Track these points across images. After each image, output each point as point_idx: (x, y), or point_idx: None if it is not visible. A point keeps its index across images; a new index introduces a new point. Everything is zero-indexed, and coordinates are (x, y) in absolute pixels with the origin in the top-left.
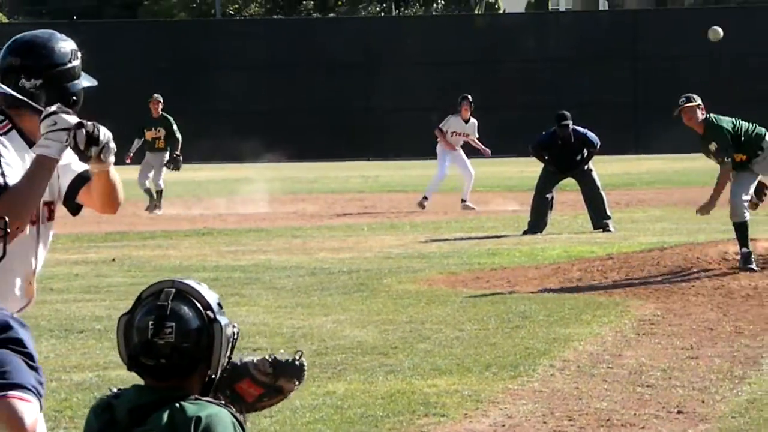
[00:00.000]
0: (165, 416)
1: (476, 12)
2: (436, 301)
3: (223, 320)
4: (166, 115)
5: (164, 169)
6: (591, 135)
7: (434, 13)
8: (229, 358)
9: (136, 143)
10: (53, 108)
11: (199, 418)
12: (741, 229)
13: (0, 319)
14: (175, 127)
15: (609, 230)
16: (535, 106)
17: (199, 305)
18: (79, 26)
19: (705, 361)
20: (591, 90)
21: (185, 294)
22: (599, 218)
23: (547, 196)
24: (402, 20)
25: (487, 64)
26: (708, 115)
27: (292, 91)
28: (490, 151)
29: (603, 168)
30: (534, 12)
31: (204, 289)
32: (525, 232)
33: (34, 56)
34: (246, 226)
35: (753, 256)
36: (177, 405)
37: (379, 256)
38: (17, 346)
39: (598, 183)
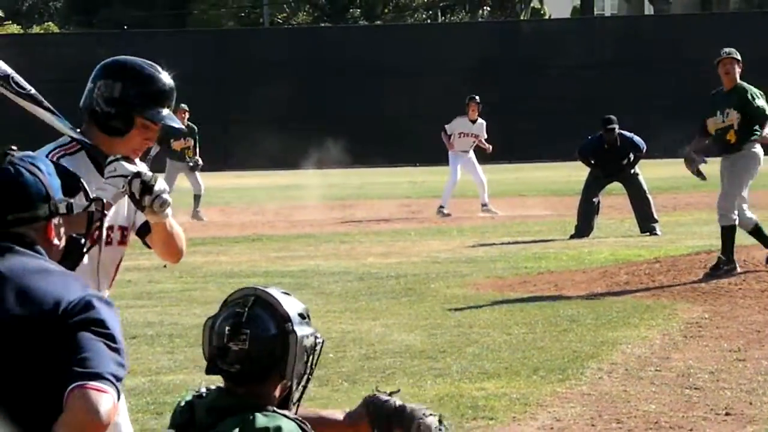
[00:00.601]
0: (235, 423)
1: (522, 18)
2: (484, 305)
3: (302, 331)
4: (191, 124)
5: (197, 173)
6: (637, 139)
7: (480, 19)
8: (311, 368)
9: (155, 150)
10: (118, 155)
11: (266, 429)
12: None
13: (83, 298)
14: (198, 137)
15: (656, 234)
16: (581, 110)
17: (277, 314)
18: (130, 36)
19: (752, 363)
20: (637, 94)
21: (265, 302)
22: (646, 222)
23: (594, 200)
24: (448, 27)
25: (533, 69)
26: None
27: (339, 97)
28: (490, 148)
29: (650, 172)
30: (579, 17)
31: (286, 299)
32: (572, 236)
33: (137, 84)
34: (295, 232)
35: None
36: (250, 415)
37: (427, 260)
38: (99, 327)
39: (645, 186)
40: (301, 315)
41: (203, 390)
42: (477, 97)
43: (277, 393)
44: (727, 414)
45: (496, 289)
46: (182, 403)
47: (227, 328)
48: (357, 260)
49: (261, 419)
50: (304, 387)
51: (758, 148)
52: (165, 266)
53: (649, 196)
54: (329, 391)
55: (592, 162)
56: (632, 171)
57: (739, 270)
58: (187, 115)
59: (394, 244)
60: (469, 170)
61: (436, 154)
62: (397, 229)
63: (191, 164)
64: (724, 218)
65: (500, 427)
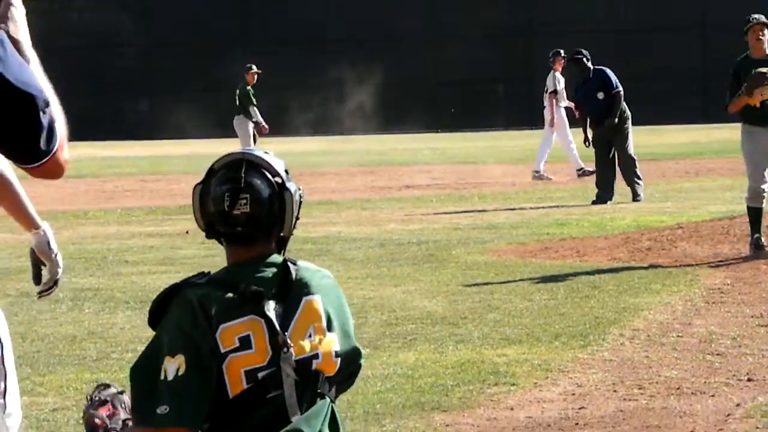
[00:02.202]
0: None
1: None
2: (505, 272)
3: (291, 186)
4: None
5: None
6: (610, 74)
7: None
8: (297, 218)
9: (255, 112)
10: None
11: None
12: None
13: None
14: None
15: (638, 199)
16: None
17: (268, 174)
18: None
19: None
20: (659, 59)
21: (256, 165)
22: (633, 186)
23: (603, 171)
24: None
25: (556, 35)
26: None
27: (366, 65)
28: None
29: (672, 137)
30: None
31: (272, 158)
32: (594, 202)
33: None
34: (316, 198)
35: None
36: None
37: (448, 227)
38: None
39: (631, 149)
40: (286, 171)
41: (203, 276)
42: (562, 51)
43: (275, 246)
44: (749, 380)
45: (518, 255)
46: (196, 294)
47: (227, 194)
48: (379, 227)
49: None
50: (290, 236)
51: None
52: (187, 232)
53: (635, 158)
54: None
55: (580, 111)
56: (624, 131)
57: None
58: (256, 77)
59: (416, 211)
60: (558, 129)
61: (454, 120)
62: (419, 196)
63: (255, 126)
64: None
65: (521, 392)
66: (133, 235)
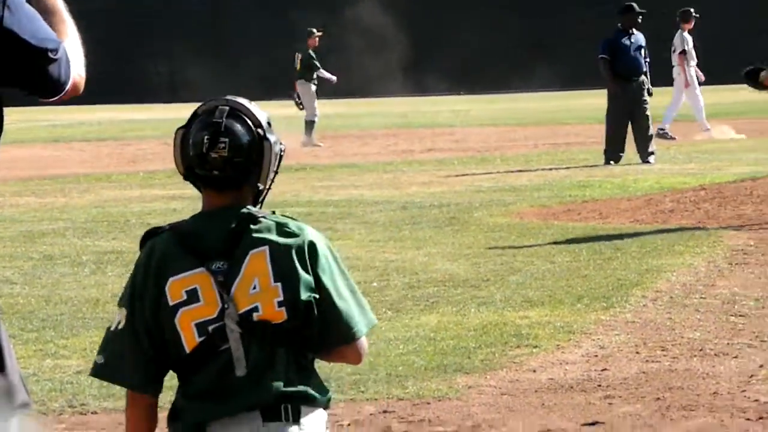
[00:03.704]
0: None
1: None
2: (527, 234)
3: (272, 137)
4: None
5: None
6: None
7: None
8: (276, 172)
9: (322, 72)
10: None
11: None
12: None
13: None
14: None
15: (650, 162)
16: None
17: (250, 122)
18: None
19: None
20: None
21: (238, 111)
22: (643, 152)
23: (618, 133)
24: None
25: None
26: None
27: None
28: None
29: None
30: None
31: (254, 107)
32: (606, 162)
33: None
34: (338, 161)
35: None
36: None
37: (470, 189)
38: None
39: (650, 119)
40: (268, 123)
41: (165, 227)
42: (692, 10)
43: (251, 197)
44: None
45: (540, 217)
46: (156, 244)
47: (206, 137)
48: (400, 189)
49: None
50: (268, 190)
51: None
52: None
53: (651, 126)
54: None
55: (610, 63)
56: (643, 98)
57: None
58: (317, 41)
59: (437, 173)
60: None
61: (476, 83)
62: (440, 158)
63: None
64: None
65: (544, 354)
66: (156, 198)
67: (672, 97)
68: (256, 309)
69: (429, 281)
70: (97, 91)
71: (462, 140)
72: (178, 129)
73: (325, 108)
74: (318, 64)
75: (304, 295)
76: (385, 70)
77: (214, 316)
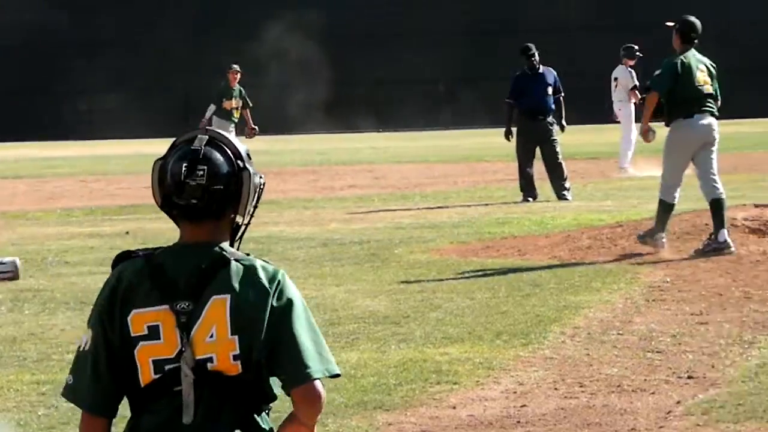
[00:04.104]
0: (237, 269)
1: None
2: (447, 271)
3: (251, 169)
4: (240, 87)
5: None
6: (555, 75)
7: None
8: (255, 206)
9: (211, 110)
10: None
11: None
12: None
13: None
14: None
15: (567, 199)
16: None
17: (229, 152)
18: None
19: (714, 327)
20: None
21: (217, 141)
22: (559, 189)
23: (528, 170)
24: None
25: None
26: None
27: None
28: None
29: (612, 135)
30: None
31: (234, 138)
32: (524, 200)
33: None
34: None
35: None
36: (246, 261)
37: (390, 226)
38: None
39: (560, 155)
40: (248, 154)
41: (140, 251)
42: (636, 47)
43: (228, 231)
44: (689, 377)
45: (460, 254)
46: (127, 270)
47: (184, 165)
48: (321, 226)
49: (262, 263)
50: (247, 225)
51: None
52: (127, 233)
53: (563, 163)
54: None
55: (515, 104)
56: (551, 137)
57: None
58: (238, 76)
59: (358, 210)
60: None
61: (398, 120)
62: (361, 195)
63: (249, 136)
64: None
65: (464, 391)
66: (73, 235)
67: (621, 133)
68: (211, 360)
69: (349, 318)
70: (12, 129)
71: (382, 177)
72: (157, 160)
73: (244, 144)
74: (222, 100)
75: (261, 353)
76: (306, 107)
77: (172, 356)
